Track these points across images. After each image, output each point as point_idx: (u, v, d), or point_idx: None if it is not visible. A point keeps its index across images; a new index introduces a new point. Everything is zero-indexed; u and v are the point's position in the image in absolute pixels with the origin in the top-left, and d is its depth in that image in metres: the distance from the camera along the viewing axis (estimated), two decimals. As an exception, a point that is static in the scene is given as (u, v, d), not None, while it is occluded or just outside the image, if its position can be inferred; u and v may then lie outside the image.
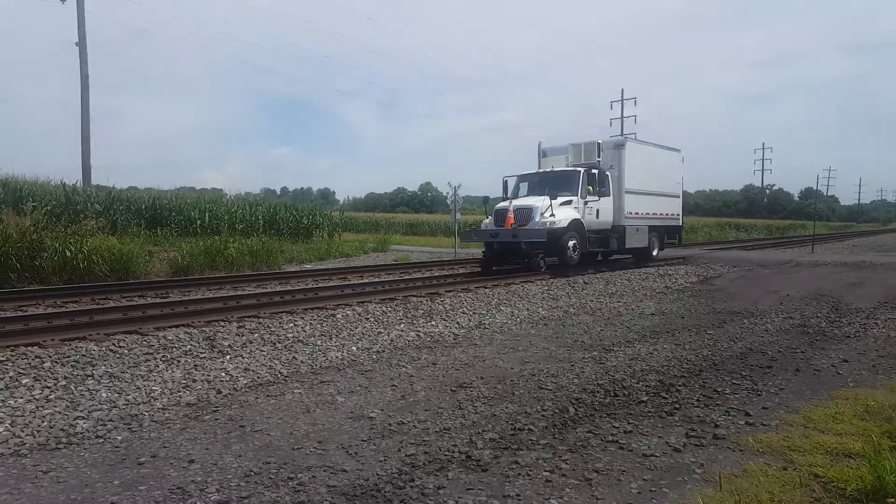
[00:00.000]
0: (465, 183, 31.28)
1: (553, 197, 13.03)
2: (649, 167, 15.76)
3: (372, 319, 7.83)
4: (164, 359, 5.66)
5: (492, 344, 7.05)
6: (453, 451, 3.65)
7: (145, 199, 21.74)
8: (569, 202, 13.38)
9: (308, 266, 16.72)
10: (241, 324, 6.97)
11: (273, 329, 6.90)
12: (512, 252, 13.54)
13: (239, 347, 6.24)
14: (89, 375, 5.05)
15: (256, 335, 6.62)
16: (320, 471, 3.40)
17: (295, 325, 7.13)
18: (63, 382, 4.86)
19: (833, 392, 4.83)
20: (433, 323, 8.09)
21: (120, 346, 5.77)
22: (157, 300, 9.21)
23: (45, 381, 4.84)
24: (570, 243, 13.05)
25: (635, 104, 44.44)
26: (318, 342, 6.73)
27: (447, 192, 19.13)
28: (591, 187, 13.86)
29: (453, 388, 5.08)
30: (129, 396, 4.74)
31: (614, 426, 4.06)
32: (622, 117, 43.72)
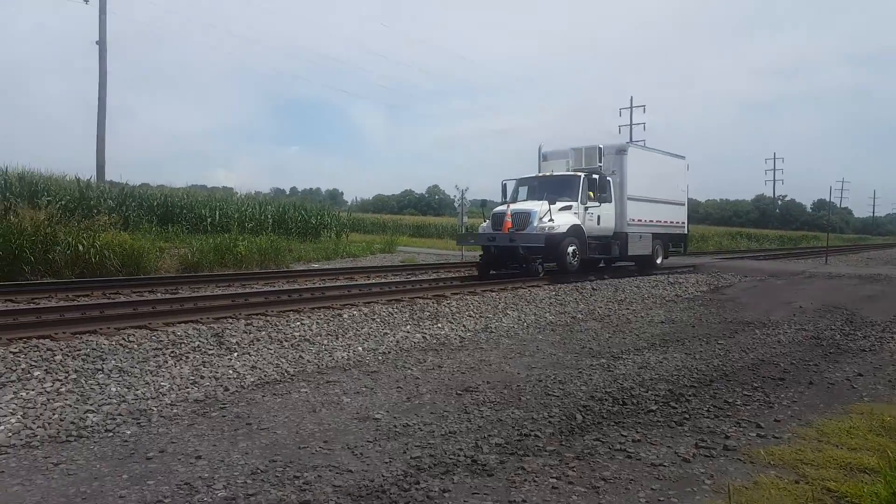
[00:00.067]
0: (473, 186, 31.29)
1: (552, 202, 12.84)
2: (653, 173, 15.50)
3: (378, 320, 7.83)
4: (172, 354, 5.69)
5: (498, 348, 7.02)
6: (459, 455, 3.63)
7: (157, 195, 21.94)
8: (568, 207, 13.16)
9: (315, 265, 16.78)
10: (248, 321, 6.99)
11: (280, 327, 6.91)
12: (509, 257, 13.33)
13: (246, 345, 6.25)
14: (99, 369, 5.09)
15: (264, 333, 6.64)
16: (326, 470, 3.39)
17: (302, 324, 7.14)
18: (74, 376, 4.89)
19: (847, 406, 4.76)
20: (439, 325, 8.07)
21: (130, 341, 5.81)
22: (167, 296, 9.28)
23: (57, 373, 4.88)
24: (570, 249, 12.81)
25: (644, 111, 44.04)
26: (325, 342, 6.73)
27: (454, 195, 19.10)
28: (591, 193, 13.63)
29: (459, 392, 5.06)
30: (138, 391, 4.77)
31: (622, 434, 4.03)
32: (631, 124, 43.44)
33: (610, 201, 14.20)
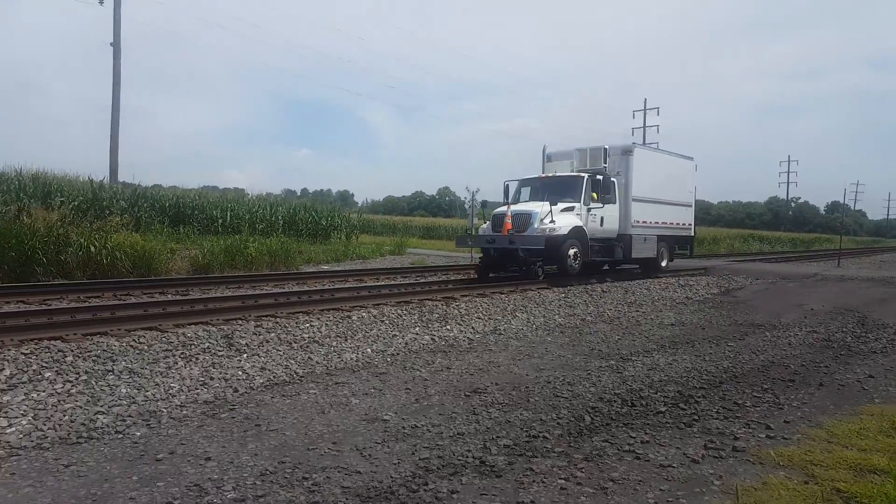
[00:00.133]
0: (484, 188, 31.27)
1: (554, 203, 12.55)
2: (659, 174, 15.27)
3: (387, 322, 7.85)
4: (182, 356, 5.73)
5: (507, 350, 7.02)
6: (467, 457, 3.63)
7: (169, 197, 22.07)
8: (570, 209, 12.91)
9: (325, 267, 16.85)
10: (258, 323, 7.03)
11: (290, 329, 6.94)
12: (510, 259, 12.98)
13: (256, 346, 6.29)
14: (109, 371, 5.13)
15: (273, 335, 6.67)
16: (335, 472, 3.41)
17: (311, 326, 7.17)
18: (84, 377, 4.94)
19: (858, 408, 4.71)
20: (448, 327, 8.07)
21: (140, 343, 5.86)
22: (178, 297, 9.35)
23: (67, 375, 4.93)
24: (571, 251, 12.53)
25: (658, 114, 43.84)
26: (334, 343, 6.76)
27: (465, 197, 19.01)
28: (595, 194, 13.39)
29: (467, 394, 5.06)
30: (148, 393, 4.81)
31: (631, 436, 4.01)
32: (644, 126, 43.26)
33: (614, 202, 13.94)
